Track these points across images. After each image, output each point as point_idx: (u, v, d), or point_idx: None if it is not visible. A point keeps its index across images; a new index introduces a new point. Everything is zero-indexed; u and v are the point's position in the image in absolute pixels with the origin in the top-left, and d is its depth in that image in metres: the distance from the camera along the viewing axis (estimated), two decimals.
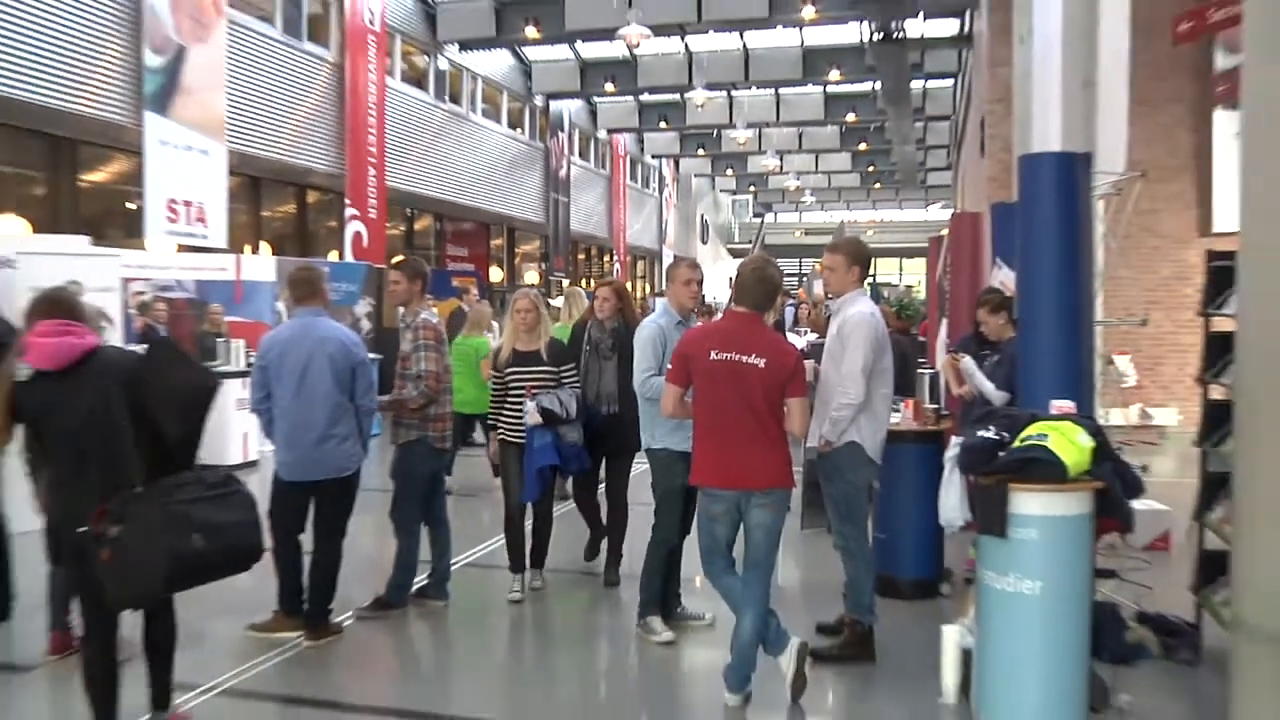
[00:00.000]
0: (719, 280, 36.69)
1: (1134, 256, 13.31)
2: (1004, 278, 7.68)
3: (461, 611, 6.90)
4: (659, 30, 21.86)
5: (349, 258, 19.61)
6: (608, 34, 22.00)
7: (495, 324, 12.39)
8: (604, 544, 7.55)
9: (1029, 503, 4.60)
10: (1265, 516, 4.34)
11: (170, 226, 15.43)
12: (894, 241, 51.90)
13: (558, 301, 15.11)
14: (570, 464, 6.98)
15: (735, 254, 49.49)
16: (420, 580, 6.92)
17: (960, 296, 9.30)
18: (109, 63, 14.54)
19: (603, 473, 7.51)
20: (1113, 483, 4.71)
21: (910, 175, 42.04)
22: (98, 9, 14.36)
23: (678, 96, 30.48)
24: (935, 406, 7.84)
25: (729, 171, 45.00)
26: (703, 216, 48.31)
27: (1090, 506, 4.69)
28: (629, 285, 35.49)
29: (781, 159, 39.23)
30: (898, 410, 6.78)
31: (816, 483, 6.43)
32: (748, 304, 5.36)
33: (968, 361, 7.18)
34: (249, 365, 6.47)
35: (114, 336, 9.74)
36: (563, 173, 30.58)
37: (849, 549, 5.86)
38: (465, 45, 24.32)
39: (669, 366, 5.55)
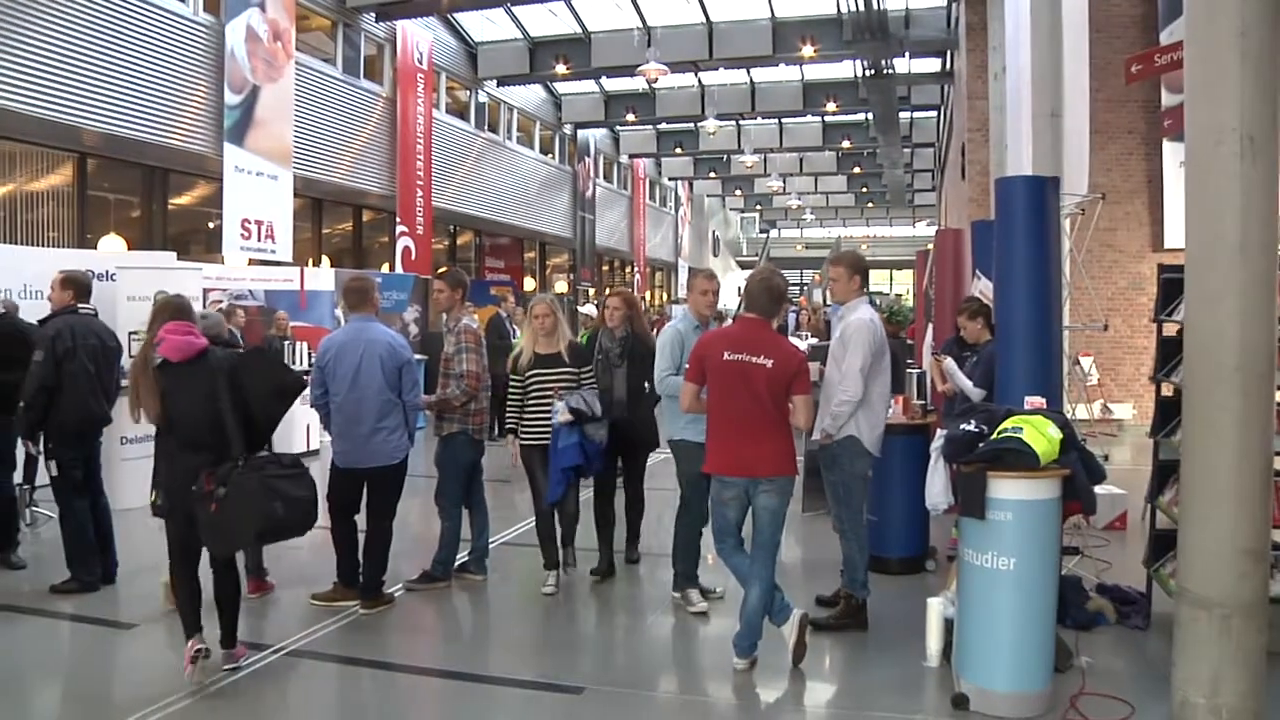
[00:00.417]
0: (729, 289, 36.60)
1: (1095, 269, 13.27)
2: (983, 288, 7.68)
3: (498, 584, 6.94)
4: (675, 67, 21.84)
5: (399, 269, 19.65)
6: (629, 70, 21.99)
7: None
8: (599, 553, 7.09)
9: (1005, 488, 4.63)
10: (1207, 499, 4.39)
11: (244, 243, 15.54)
12: (885, 255, 51.66)
13: (587, 308, 15.06)
14: (593, 463, 6.57)
15: (743, 265, 49.37)
16: (462, 557, 6.94)
17: (944, 304, 9.29)
18: (196, 102, 14.69)
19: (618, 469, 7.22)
20: (1078, 470, 4.72)
21: (899, 196, 41.86)
22: (187, 57, 14.53)
23: (692, 125, 30.40)
24: (922, 402, 7.85)
25: (737, 192, 44.87)
26: (714, 232, 48.19)
27: (1058, 491, 4.71)
28: (648, 294, 35.51)
29: (784, 181, 39.06)
30: (889, 406, 6.78)
31: (817, 470, 6.42)
32: (756, 310, 5.37)
33: (950, 362, 7.19)
34: (310, 365, 6.53)
35: None
36: (589, 193, 30.56)
37: (845, 531, 5.86)
38: (502, 81, 24.34)
39: (686, 366, 5.57)
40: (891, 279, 52.51)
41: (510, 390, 6.68)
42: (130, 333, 8.55)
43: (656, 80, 23.04)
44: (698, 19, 21.53)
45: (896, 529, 7.04)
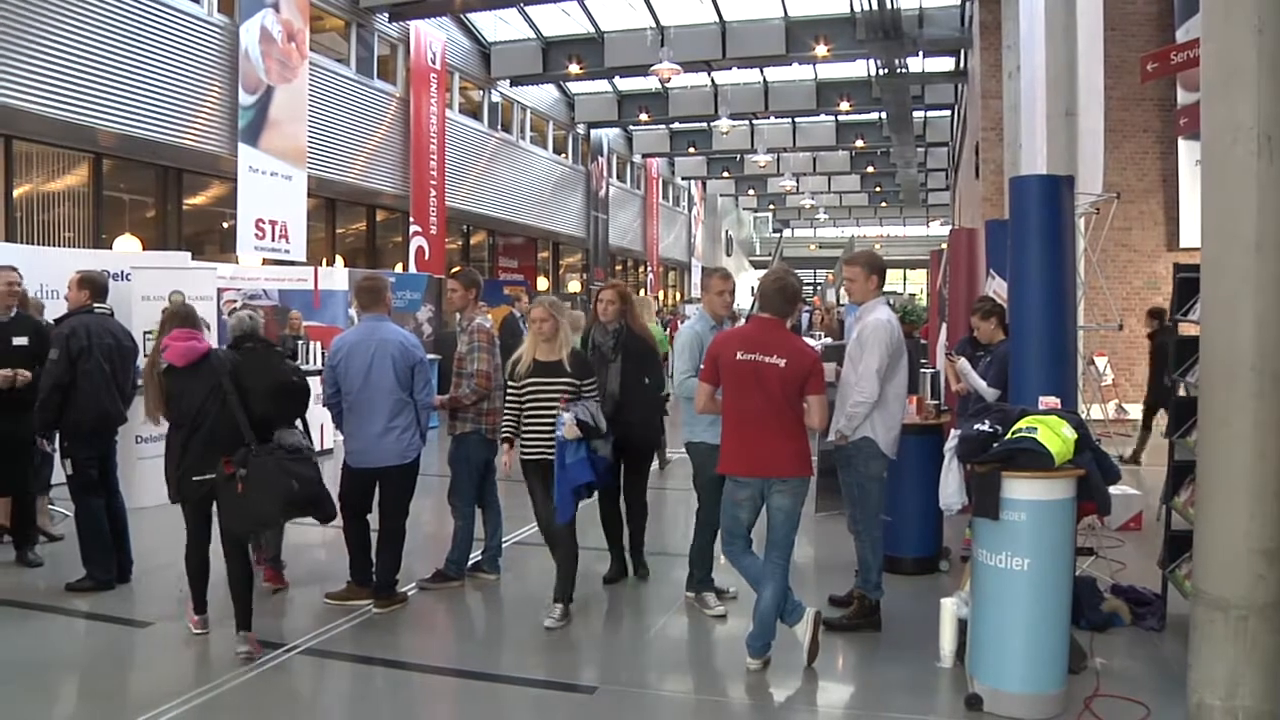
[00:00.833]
0: (742, 289, 36.57)
1: (1110, 268, 13.22)
2: (997, 287, 7.66)
3: (511, 584, 6.94)
4: (688, 66, 21.85)
5: (412, 269, 19.72)
6: (642, 70, 22.02)
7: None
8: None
9: (1019, 488, 4.61)
10: (1223, 499, 4.36)
11: (258, 243, 15.62)
12: (898, 254, 51.54)
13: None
14: (605, 478, 6.15)
15: (756, 265, 49.32)
16: (475, 556, 6.94)
17: (958, 303, 9.27)
18: (210, 102, 14.77)
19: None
20: (1092, 470, 4.70)
21: (913, 195, 41.78)
22: (201, 58, 14.62)
23: (705, 125, 30.43)
24: (936, 402, 7.83)
25: (751, 191, 44.87)
26: (727, 232, 48.15)
27: (1073, 492, 4.69)
28: (661, 293, 35.49)
29: (798, 180, 39.04)
30: (905, 408, 6.76)
31: (832, 470, 6.40)
32: (770, 310, 5.35)
33: (964, 363, 7.17)
34: (323, 364, 6.56)
35: (210, 339, 9.85)
36: (602, 193, 30.59)
37: (860, 532, 5.84)
38: (515, 81, 24.39)
39: (703, 367, 5.55)
40: (905, 279, 52.42)
41: (507, 397, 6.20)
42: (145, 332, 8.58)
43: (669, 80, 23.05)
44: (711, 18, 21.54)
45: (910, 529, 7.01)
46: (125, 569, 6.79)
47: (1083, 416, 5.30)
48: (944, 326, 9.83)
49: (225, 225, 16.32)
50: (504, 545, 7.16)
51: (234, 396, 5.47)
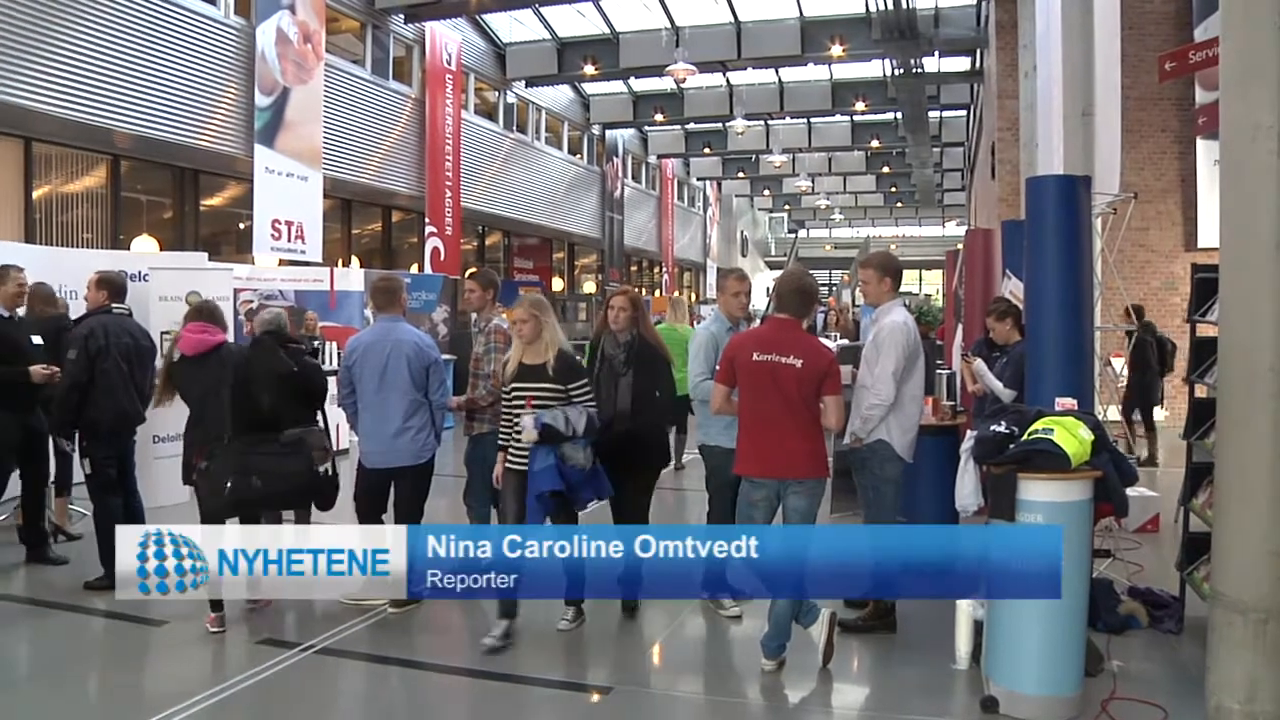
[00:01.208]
0: (757, 289, 36.47)
1: (1127, 269, 13.14)
2: (1013, 288, 7.63)
3: None
4: (703, 67, 21.84)
5: (428, 270, 19.76)
6: (657, 70, 22.02)
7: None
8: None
9: (1035, 490, 4.59)
10: (1241, 501, 4.33)
11: (274, 243, 15.69)
12: (914, 255, 51.35)
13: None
14: (579, 493, 5.60)
15: (772, 266, 49.23)
16: None
17: (974, 304, 9.23)
18: (226, 104, 14.84)
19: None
20: (1110, 472, 4.68)
21: (928, 195, 41.65)
22: (218, 59, 14.70)
23: (720, 125, 30.37)
24: (952, 403, 7.81)
25: (766, 192, 44.78)
26: (742, 232, 48.08)
27: (1090, 493, 4.67)
28: (676, 293, 35.46)
29: (813, 181, 38.98)
30: (922, 410, 6.74)
31: (848, 470, 6.37)
32: (787, 311, 5.34)
33: (979, 364, 7.15)
34: (338, 365, 6.62)
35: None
36: (617, 193, 30.60)
37: None
38: (531, 81, 24.42)
39: (719, 368, 5.53)
40: (921, 279, 52.27)
41: (502, 403, 5.93)
42: (162, 332, 8.63)
43: (685, 80, 23.05)
44: (726, 19, 21.52)
45: None
46: None
47: (1099, 418, 5.29)
48: (960, 327, 9.79)
49: (241, 226, 16.40)
50: None
51: (227, 389, 5.83)
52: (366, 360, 6.17)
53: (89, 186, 14.19)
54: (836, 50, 20.89)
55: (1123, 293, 8.30)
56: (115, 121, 13.01)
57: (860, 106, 25.89)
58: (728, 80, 26.01)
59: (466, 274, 8.84)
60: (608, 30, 22.44)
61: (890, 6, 17.47)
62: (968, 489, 5.08)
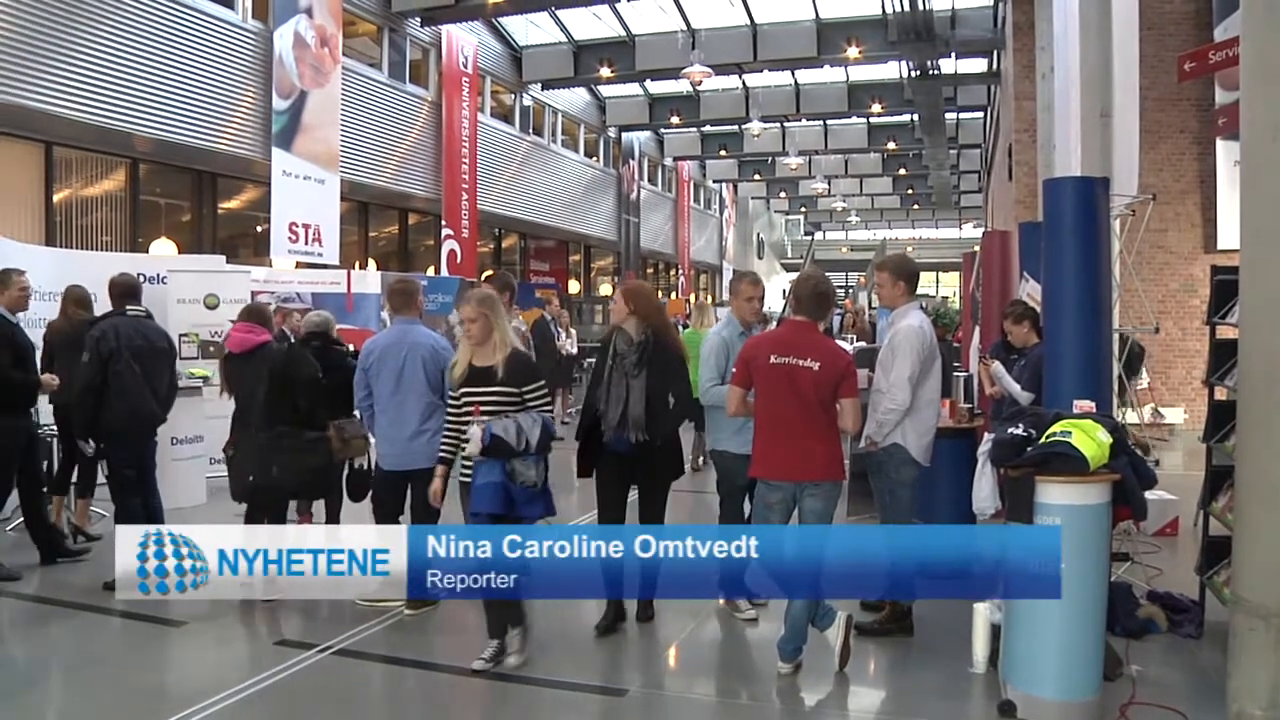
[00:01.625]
0: (773, 292, 36.44)
1: (1146, 271, 13.04)
2: (1031, 290, 7.60)
3: None
4: (719, 69, 21.85)
5: (445, 272, 19.83)
6: (673, 73, 22.04)
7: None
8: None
9: (1053, 493, 4.57)
10: (1262, 505, 4.30)
11: (292, 246, 15.77)
12: (931, 257, 51.08)
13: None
14: (524, 509, 5.06)
15: (788, 268, 49.16)
16: None
17: (991, 307, 9.20)
18: (244, 108, 14.94)
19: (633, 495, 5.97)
20: (1128, 475, 4.65)
21: (945, 197, 41.53)
22: (236, 63, 14.79)
23: (736, 128, 30.39)
24: (969, 406, 7.78)
25: (782, 194, 44.76)
26: (758, 234, 48.06)
27: (1108, 496, 4.64)
28: (692, 296, 35.45)
29: (829, 183, 38.92)
30: (939, 415, 6.71)
31: (864, 473, 6.35)
32: (804, 313, 5.33)
33: (997, 366, 7.12)
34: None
35: None
36: (633, 196, 30.63)
37: None
38: (547, 84, 24.49)
39: (733, 371, 5.50)
40: (938, 281, 52.05)
41: (447, 410, 5.53)
42: (180, 335, 8.68)
43: (701, 83, 23.07)
44: (742, 21, 21.52)
45: None
46: None
47: (1118, 421, 5.26)
48: (977, 330, 9.76)
49: (259, 229, 16.49)
50: None
51: (263, 385, 6.40)
52: (383, 363, 6.18)
53: (108, 190, 14.30)
54: (853, 52, 20.87)
55: (1141, 295, 8.24)
56: (134, 125, 13.11)
57: (876, 108, 25.87)
58: (743, 82, 26.00)
59: (483, 276, 8.86)
60: (623, 33, 22.47)
61: (906, 8, 17.44)
62: (985, 492, 5.07)
